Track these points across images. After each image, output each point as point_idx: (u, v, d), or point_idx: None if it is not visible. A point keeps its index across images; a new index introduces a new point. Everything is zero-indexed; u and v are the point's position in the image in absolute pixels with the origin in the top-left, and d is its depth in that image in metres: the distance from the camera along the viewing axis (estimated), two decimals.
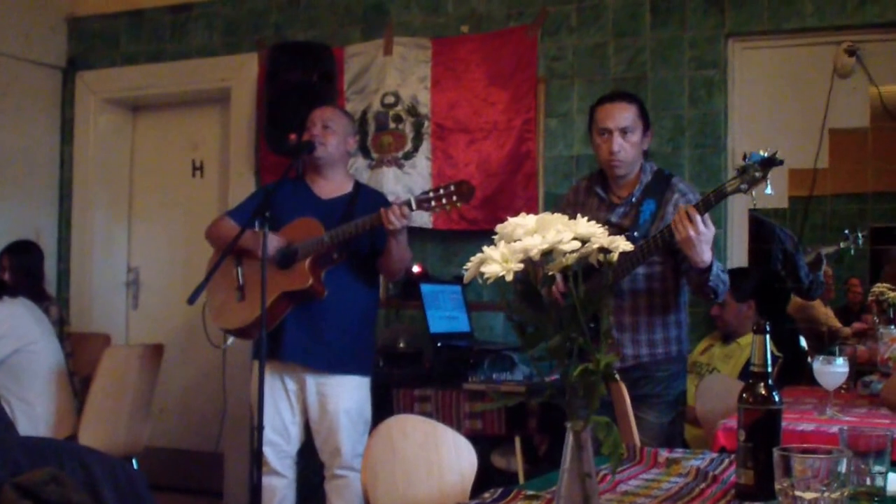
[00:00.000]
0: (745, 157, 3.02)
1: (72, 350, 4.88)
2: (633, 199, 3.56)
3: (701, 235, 3.10)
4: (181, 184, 6.34)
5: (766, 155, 2.95)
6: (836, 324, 4.87)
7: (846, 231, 4.78)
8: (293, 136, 4.15)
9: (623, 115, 3.54)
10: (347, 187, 4.11)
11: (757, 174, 2.97)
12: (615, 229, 3.48)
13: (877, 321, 4.42)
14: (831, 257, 4.87)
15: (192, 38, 6.03)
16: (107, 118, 6.41)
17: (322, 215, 3.92)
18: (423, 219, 5.02)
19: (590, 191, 3.72)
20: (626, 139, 3.52)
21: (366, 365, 4.06)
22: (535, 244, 1.32)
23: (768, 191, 2.98)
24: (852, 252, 4.80)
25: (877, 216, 4.87)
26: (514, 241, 1.35)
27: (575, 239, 1.33)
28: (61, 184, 6.41)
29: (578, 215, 1.42)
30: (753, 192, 3.01)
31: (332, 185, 4.08)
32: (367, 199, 4.07)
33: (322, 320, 3.91)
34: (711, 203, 3.14)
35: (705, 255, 3.15)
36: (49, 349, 4.47)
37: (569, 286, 1.36)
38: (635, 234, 3.40)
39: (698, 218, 3.09)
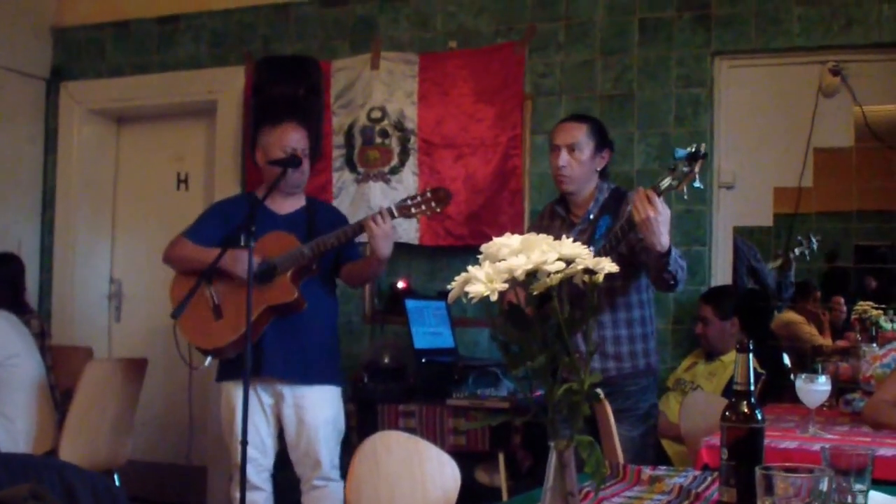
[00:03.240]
0: (673, 154, 3.13)
1: (53, 363, 4.85)
2: (590, 217, 3.68)
3: (659, 216, 3.19)
4: (165, 196, 6.32)
5: (691, 150, 3.08)
6: (821, 340, 4.88)
7: (799, 238, 4.82)
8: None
9: (570, 132, 3.71)
10: (301, 201, 4.17)
11: (685, 169, 3.10)
12: None
13: (859, 339, 4.44)
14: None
15: (178, 49, 6.01)
16: (91, 129, 6.37)
17: (286, 230, 3.96)
18: (409, 234, 5.03)
19: (553, 213, 3.86)
20: (572, 156, 3.67)
21: (338, 374, 4.14)
22: (520, 264, 1.32)
23: (696, 184, 3.11)
24: (808, 258, 4.83)
25: (861, 235, 4.90)
26: (499, 260, 1.35)
27: (559, 259, 1.34)
28: (44, 195, 6.37)
29: (564, 236, 1.43)
30: (685, 188, 3.12)
31: (287, 202, 4.11)
32: (323, 212, 4.17)
33: (299, 332, 3.95)
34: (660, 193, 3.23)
35: (664, 237, 3.24)
36: (30, 362, 4.44)
37: (552, 306, 1.36)
38: (591, 248, 3.43)
39: (657, 199, 3.19)
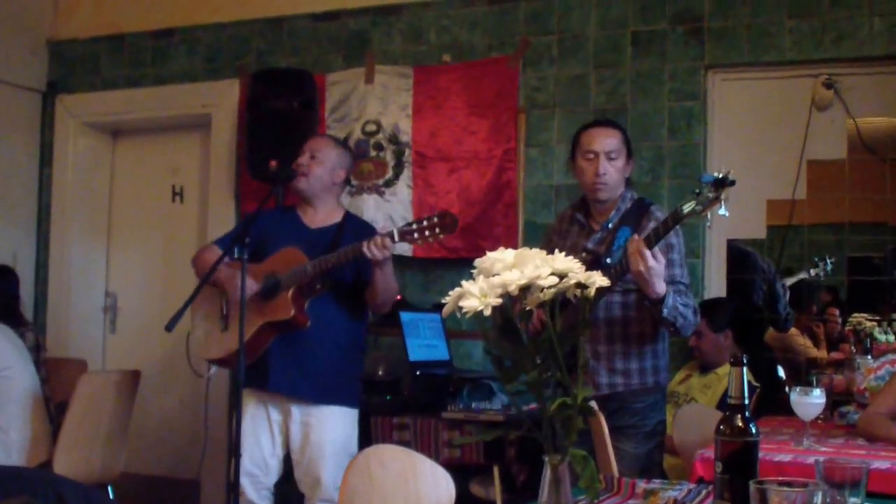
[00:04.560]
0: (700, 179, 3.07)
1: (48, 375, 4.84)
2: (610, 226, 3.59)
3: (651, 269, 3.15)
4: (161, 209, 6.32)
5: (718, 176, 3.00)
6: (815, 352, 4.89)
7: (815, 258, 4.84)
8: (273, 163, 4.15)
9: (609, 139, 3.59)
10: (337, 217, 4.09)
11: (710, 195, 3.01)
12: (590, 255, 3.51)
13: (854, 351, 4.44)
14: (796, 287, 4.94)
15: (173, 63, 6.03)
16: (86, 142, 6.38)
17: (309, 244, 3.90)
18: (403, 247, 5.01)
19: (573, 218, 3.75)
20: (611, 164, 3.56)
21: (352, 395, 4.02)
22: (514, 279, 1.33)
23: (722, 211, 3.03)
24: (821, 279, 4.85)
25: (854, 246, 4.91)
26: (493, 275, 1.36)
27: (553, 274, 1.34)
28: (39, 208, 6.37)
29: (556, 250, 1.43)
30: (708, 214, 3.05)
31: (321, 215, 4.06)
32: (353, 229, 4.05)
33: (307, 350, 3.89)
34: (660, 235, 3.19)
35: (657, 287, 3.21)
36: (25, 375, 4.43)
37: (546, 320, 1.37)
38: (608, 260, 3.42)
39: (647, 253, 3.14)
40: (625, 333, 3.57)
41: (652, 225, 3.40)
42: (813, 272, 4.86)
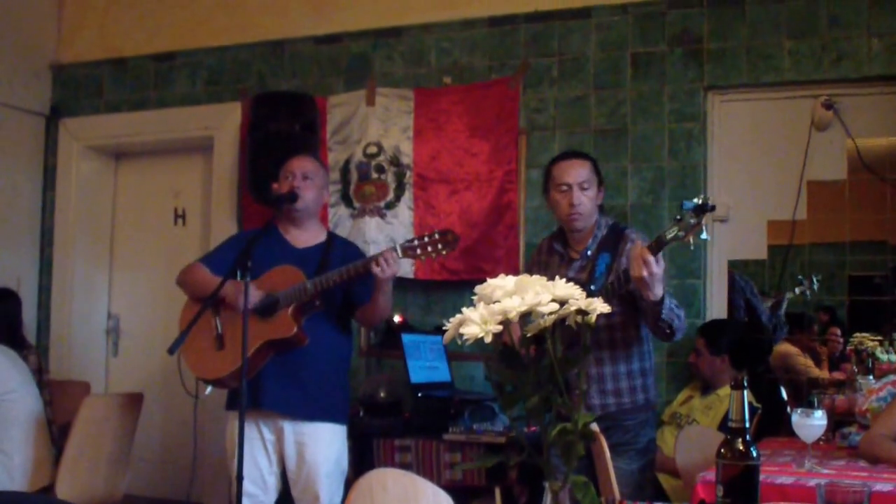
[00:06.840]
0: (681, 206, 3.14)
1: (50, 398, 4.84)
2: (589, 254, 3.70)
3: (654, 275, 3.21)
4: (163, 231, 6.34)
5: (698, 202, 3.08)
6: (817, 372, 4.89)
7: (800, 277, 4.85)
8: (276, 186, 4.16)
9: (581, 170, 3.72)
10: (321, 237, 4.13)
11: (692, 221, 3.08)
12: (574, 284, 3.54)
13: (855, 371, 4.43)
14: (791, 303, 4.95)
15: (175, 86, 6.06)
16: (89, 165, 6.41)
17: (297, 264, 3.92)
18: (405, 269, 5.03)
19: (551, 249, 3.86)
20: (584, 194, 3.68)
21: (343, 412, 4.05)
22: (514, 306, 1.34)
23: (704, 235, 3.11)
24: (808, 297, 4.87)
25: (854, 266, 4.92)
26: (493, 302, 1.37)
27: (553, 301, 1.35)
28: (42, 230, 6.40)
29: (557, 277, 1.44)
30: (691, 238, 3.11)
31: (306, 235, 4.09)
32: (340, 248, 4.10)
33: (301, 368, 3.90)
34: (659, 248, 3.24)
35: (657, 289, 3.27)
36: (28, 397, 4.43)
37: (546, 347, 1.38)
38: (592, 287, 3.49)
39: (651, 259, 3.19)
40: (613, 355, 3.66)
41: (630, 248, 3.47)
42: (798, 290, 4.87)
